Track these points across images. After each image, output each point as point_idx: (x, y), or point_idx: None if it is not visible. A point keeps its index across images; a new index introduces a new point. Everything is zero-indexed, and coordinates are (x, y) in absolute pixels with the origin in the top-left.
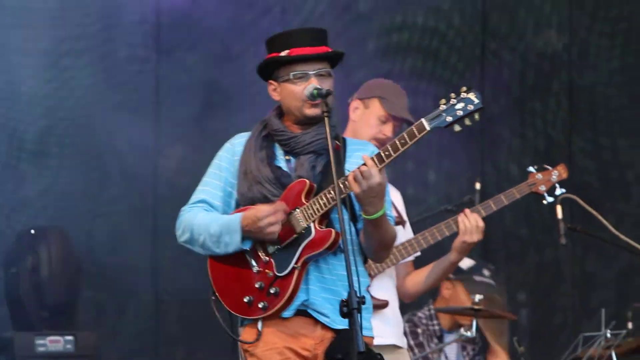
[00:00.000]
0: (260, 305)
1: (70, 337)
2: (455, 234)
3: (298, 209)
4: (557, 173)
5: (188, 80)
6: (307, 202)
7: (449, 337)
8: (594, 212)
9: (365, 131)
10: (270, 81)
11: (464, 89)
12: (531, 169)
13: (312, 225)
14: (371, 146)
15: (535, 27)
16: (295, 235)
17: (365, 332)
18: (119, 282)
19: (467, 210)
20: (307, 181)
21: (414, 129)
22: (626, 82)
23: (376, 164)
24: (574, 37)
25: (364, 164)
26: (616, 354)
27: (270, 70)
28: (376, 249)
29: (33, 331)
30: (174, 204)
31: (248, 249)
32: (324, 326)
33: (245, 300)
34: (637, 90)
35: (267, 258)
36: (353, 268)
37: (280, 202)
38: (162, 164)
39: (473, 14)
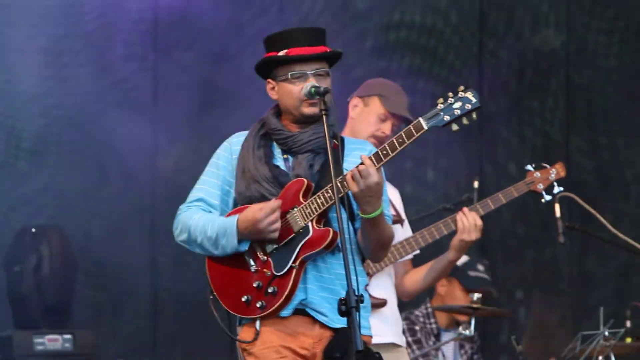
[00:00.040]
0: (258, 305)
1: (68, 336)
2: (453, 233)
3: (296, 208)
4: (555, 171)
5: (186, 79)
6: (304, 201)
7: (446, 336)
8: (592, 211)
9: (364, 129)
10: (269, 80)
11: (462, 88)
12: (529, 167)
13: (309, 224)
14: (369, 145)
15: (533, 25)
16: (293, 235)
17: (363, 331)
18: (117, 281)
19: (465, 209)
20: (305, 180)
21: (412, 128)
22: (624, 81)
23: (374, 163)
24: (572, 36)
25: (362, 163)
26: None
27: (268, 69)
28: (374, 248)
29: (36, 329)
30: (172, 203)
31: (245, 250)
32: (322, 325)
33: (243, 299)
34: (635, 89)
35: (265, 257)
36: (351, 267)
37: (274, 200)
38: (160, 162)
39: (470, 12)
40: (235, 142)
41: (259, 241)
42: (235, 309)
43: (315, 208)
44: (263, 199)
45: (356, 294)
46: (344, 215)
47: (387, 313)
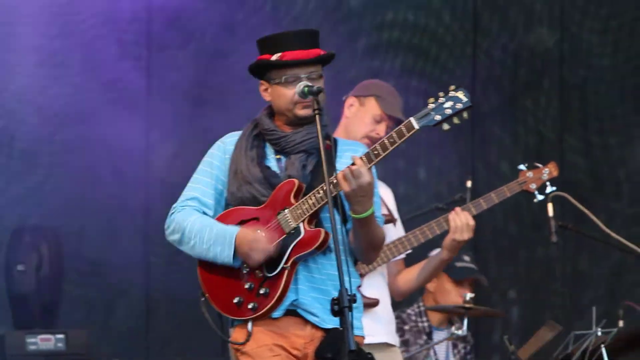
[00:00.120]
0: (250, 306)
1: (61, 336)
2: (446, 232)
3: (287, 209)
4: (548, 171)
5: (179, 78)
6: (296, 202)
7: (438, 334)
8: (585, 210)
9: (359, 129)
10: (262, 81)
11: (453, 87)
12: (522, 166)
13: (301, 225)
14: (362, 147)
15: (527, 24)
16: (284, 236)
17: (355, 332)
18: (110, 281)
19: (457, 209)
20: (296, 181)
21: (403, 128)
22: (617, 80)
23: (365, 163)
24: (565, 35)
25: (354, 163)
26: (607, 351)
27: (261, 71)
28: (365, 249)
29: (29, 329)
30: (165, 202)
31: (237, 266)
32: (314, 325)
33: (235, 301)
34: (628, 88)
35: None
36: (344, 267)
37: (271, 247)
38: (153, 161)
39: (464, 11)
40: (229, 142)
41: None
42: (227, 310)
43: (306, 209)
44: (254, 200)
45: (349, 294)
46: (337, 216)
47: (380, 313)
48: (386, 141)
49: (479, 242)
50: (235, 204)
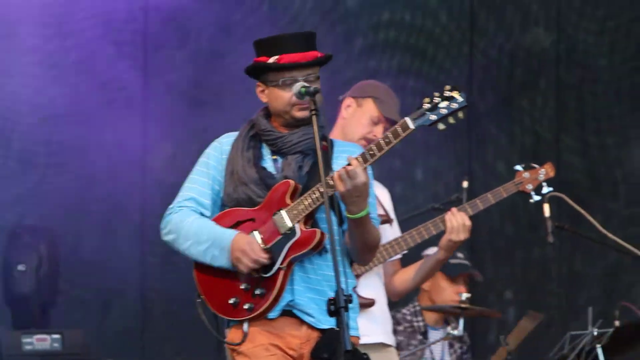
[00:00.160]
0: (246, 307)
1: (57, 336)
2: (442, 232)
3: (283, 209)
4: (545, 171)
5: (176, 78)
6: (292, 202)
7: (434, 333)
8: (582, 211)
9: (356, 130)
10: (259, 83)
11: (448, 87)
12: (518, 167)
13: (297, 225)
14: (358, 148)
15: (523, 24)
16: (280, 236)
17: (351, 332)
18: (106, 281)
19: (454, 209)
20: (292, 182)
21: (398, 128)
22: (614, 80)
23: (361, 164)
24: (562, 35)
25: (349, 163)
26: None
27: (258, 72)
28: (360, 250)
29: (25, 329)
30: (162, 202)
31: (233, 270)
32: (310, 326)
33: (230, 301)
34: (624, 88)
35: None
36: (340, 268)
37: (264, 259)
38: (149, 161)
39: (460, 11)
40: (225, 142)
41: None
42: (223, 311)
43: (302, 209)
44: (250, 201)
45: (344, 294)
46: (333, 217)
47: (376, 313)
48: (382, 141)
49: (475, 243)
50: (231, 205)
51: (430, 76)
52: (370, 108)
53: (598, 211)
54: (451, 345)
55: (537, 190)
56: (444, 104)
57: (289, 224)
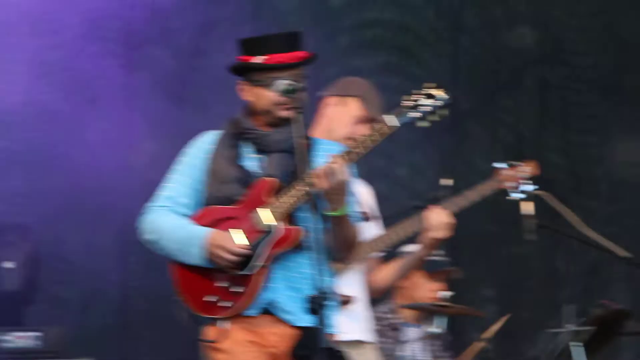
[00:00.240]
0: (224, 305)
1: (37, 333)
2: (423, 230)
3: (263, 207)
4: (527, 169)
5: (159, 75)
6: (272, 200)
7: (413, 330)
8: (566, 211)
9: (341, 129)
10: (242, 82)
11: (431, 85)
12: (501, 165)
13: (276, 223)
14: (341, 147)
15: (508, 23)
16: (260, 234)
17: (329, 330)
18: (86, 279)
19: (435, 207)
20: (272, 180)
21: (381, 126)
22: (597, 79)
23: (342, 161)
24: (547, 34)
25: (330, 161)
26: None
27: (243, 71)
28: (340, 247)
29: (3, 326)
30: (145, 200)
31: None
32: (288, 324)
33: (208, 299)
34: (608, 87)
35: None
36: (320, 266)
37: (244, 250)
38: (132, 159)
39: (445, 9)
40: (206, 141)
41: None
42: (201, 309)
43: (282, 207)
44: (230, 199)
45: (324, 292)
46: (313, 215)
47: (355, 310)
48: (364, 139)
49: (456, 240)
50: (212, 203)
51: (414, 75)
52: (355, 107)
53: (579, 209)
54: (429, 343)
55: (519, 187)
56: (427, 101)
57: (269, 221)
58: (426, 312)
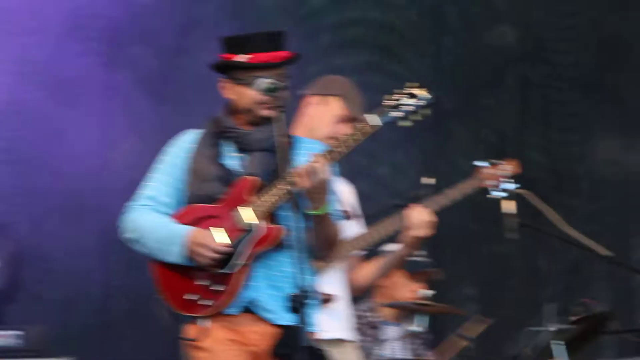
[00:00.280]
0: (204, 303)
1: (19, 332)
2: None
3: (244, 206)
4: (508, 168)
5: (141, 74)
6: (253, 199)
7: (393, 328)
8: (547, 210)
9: (322, 128)
10: (224, 80)
11: (414, 84)
12: (482, 163)
13: (257, 222)
14: (323, 145)
15: (489, 21)
16: (241, 233)
17: (310, 328)
18: (68, 278)
19: (415, 205)
20: (253, 178)
21: (364, 125)
22: (579, 77)
23: (324, 160)
24: (528, 32)
25: (312, 160)
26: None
27: (226, 69)
28: (321, 246)
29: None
30: (126, 199)
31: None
32: (269, 322)
33: (190, 298)
34: (589, 85)
35: None
36: (301, 264)
37: (225, 248)
38: (113, 158)
39: (426, 8)
40: (187, 140)
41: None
42: (182, 307)
43: (263, 206)
44: (211, 198)
45: (305, 290)
46: (295, 213)
47: (336, 308)
48: (346, 138)
49: (437, 239)
50: (193, 202)
51: (396, 74)
52: (337, 107)
53: (560, 207)
54: (409, 341)
55: (499, 186)
56: (409, 100)
57: (250, 220)
58: (407, 311)
